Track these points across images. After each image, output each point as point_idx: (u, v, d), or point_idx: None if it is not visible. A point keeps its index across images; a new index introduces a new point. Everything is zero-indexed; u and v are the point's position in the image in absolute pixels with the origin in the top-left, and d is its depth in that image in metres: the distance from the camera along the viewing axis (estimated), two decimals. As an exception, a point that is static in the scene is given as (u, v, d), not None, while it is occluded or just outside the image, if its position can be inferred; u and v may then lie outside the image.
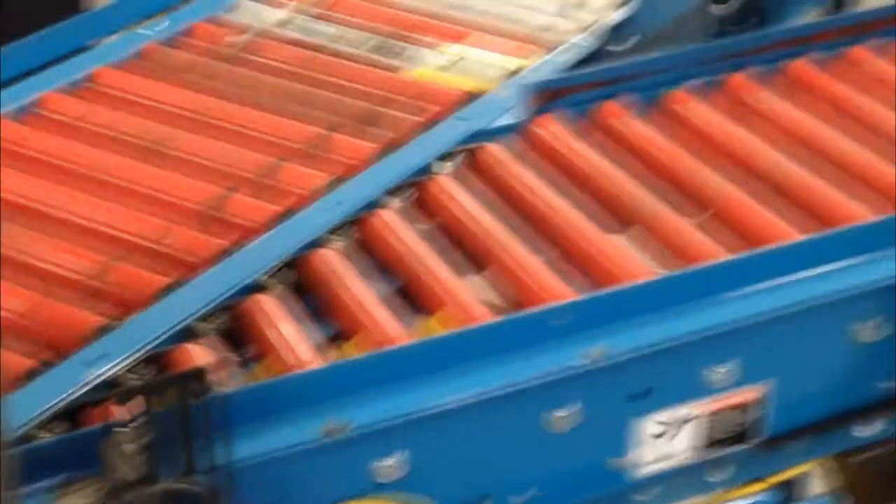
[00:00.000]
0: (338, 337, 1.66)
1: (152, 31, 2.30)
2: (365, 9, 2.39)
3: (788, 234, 1.79)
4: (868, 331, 1.71)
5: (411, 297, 1.73)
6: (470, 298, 1.69)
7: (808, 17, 2.78)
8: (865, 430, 1.79)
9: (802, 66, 2.16)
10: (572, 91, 2.08)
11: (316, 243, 1.77)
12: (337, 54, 2.23)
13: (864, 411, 1.78)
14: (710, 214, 1.86)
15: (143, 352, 1.58)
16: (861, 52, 2.19)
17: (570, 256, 1.80)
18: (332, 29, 2.31)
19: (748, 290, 1.68)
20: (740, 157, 1.98)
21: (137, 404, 1.34)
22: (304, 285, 1.73)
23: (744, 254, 1.71)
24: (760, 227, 1.82)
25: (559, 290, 1.70)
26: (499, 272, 1.76)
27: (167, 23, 2.33)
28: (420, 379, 1.53)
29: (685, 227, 1.83)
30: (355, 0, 2.41)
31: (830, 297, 1.68)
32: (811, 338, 1.71)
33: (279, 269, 1.72)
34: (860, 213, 1.82)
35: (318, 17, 2.35)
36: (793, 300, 1.67)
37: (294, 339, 1.61)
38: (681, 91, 2.10)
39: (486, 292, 1.73)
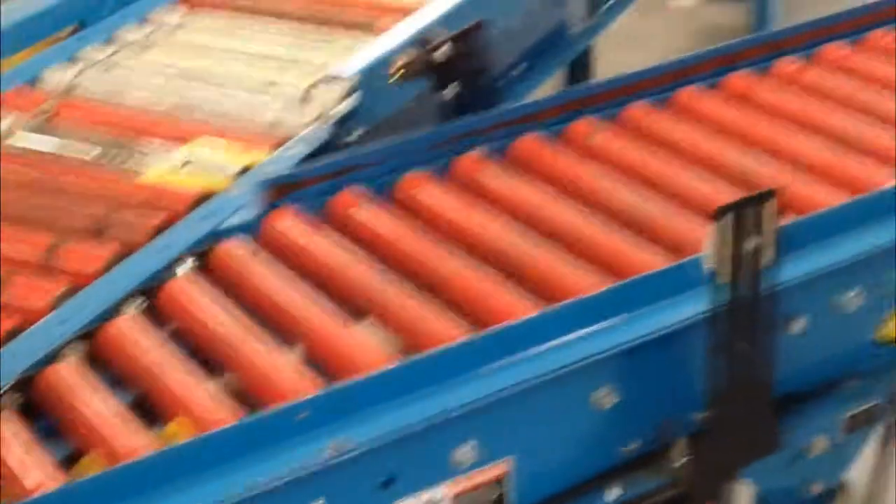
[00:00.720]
0: (75, 456, 1.62)
1: None
2: (92, 113, 2.36)
3: (522, 310, 1.83)
4: (605, 397, 1.76)
5: (152, 405, 1.70)
6: (211, 402, 1.67)
7: (535, 94, 2.88)
8: (614, 493, 1.83)
9: (529, 143, 2.23)
10: (305, 184, 2.09)
11: (49, 359, 1.73)
12: (65, 162, 2.20)
13: (611, 475, 1.82)
14: (446, 297, 1.89)
15: None
16: (582, 127, 2.27)
17: (312, 350, 1.81)
18: (59, 136, 2.28)
19: (487, 368, 1.71)
20: (474, 237, 2.02)
21: None
22: (38, 405, 1.69)
23: (479, 334, 1.74)
24: (495, 305, 1.86)
25: (302, 386, 1.70)
26: (241, 373, 1.75)
27: None
28: (161, 491, 1.50)
29: (423, 313, 1.85)
30: (82, 105, 2.39)
31: (566, 367, 1.72)
32: (552, 409, 1.75)
33: (9, 391, 1.68)
34: (589, 284, 1.87)
35: (44, 125, 2.32)
36: (531, 374, 1.71)
37: (26, 464, 1.56)
38: (413, 176, 2.14)
39: (228, 394, 1.72)
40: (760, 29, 4.29)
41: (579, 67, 4.13)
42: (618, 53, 4.55)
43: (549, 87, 3.34)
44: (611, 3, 3.34)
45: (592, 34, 3.34)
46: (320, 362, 1.78)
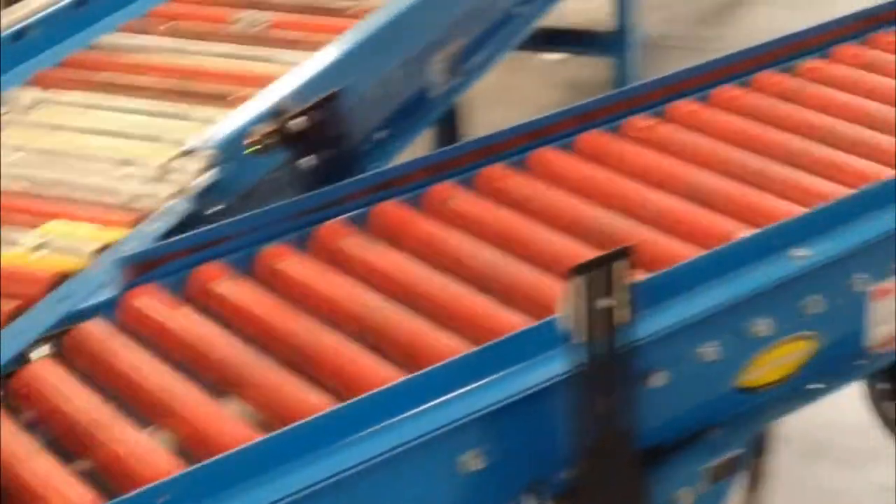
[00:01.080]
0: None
1: None
2: (-56, 198, 2.33)
3: (388, 377, 1.83)
4: (473, 460, 1.77)
5: (9, 497, 1.67)
6: (69, 491, 1.65)
7: (403, 156, 2.90)
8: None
9: (389, 210, 2.24)
10: (165, 260, 2.08)
11: None
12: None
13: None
14: (311, 368, 1.89)
15: None
16: (443, 190, 2.29)
17: (177, 430, 1.79)
18: None
19: (354, 437, 1.70)
20: (337, 307, 2.02)
21: None
22: None
23: (344, 403, 1.74)
24: (361, 374, 1.86)
25: (166, 467, 1.68)
26: (100, 458, 1.73)
27: None
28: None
29: (289, 385, 1.85)
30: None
31: (433, 433, 1.72)
32: (421, 474, 1.74)
33: None
34: (454, 348, 1.88)
35: None
36: (398, 441, 1.71)
37: None
38: (274, 248, 2.14)
39: (87, 481, 1.69)
40: (624, 83, 4.36)
41: (448, 125, 4.18)
42: (487, 110, 4.61)
43: (419, 146, 3.37)
44: (473, 63, 3.37)
45: (456, 94, 3.37)
46: (185, 442, 1.77)
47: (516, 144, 2.38)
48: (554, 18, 4.00)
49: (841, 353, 2.09)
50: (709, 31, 5.62)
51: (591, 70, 5.02)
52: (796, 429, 2.52)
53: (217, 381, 1.88)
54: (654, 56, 5.00)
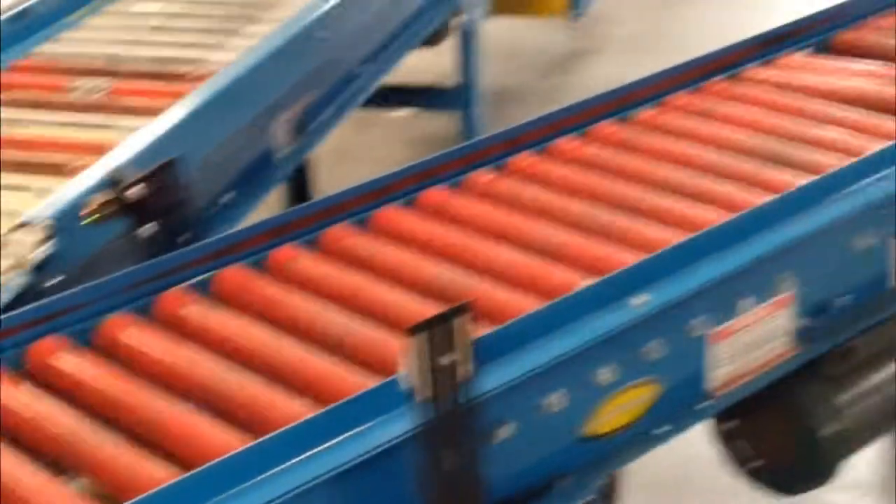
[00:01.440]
0: None
1: None
2: None
3: (233, 445, 1.80)
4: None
5: None
6: None
7: (251, 218, 2.88)
8: None
9: (232, 275, 2.22)
10: (4, 335, 2.03)
11: None
12: None
13: None
14: (154, 441, 1.86)
15: None
16: (287, 252, 2.28)
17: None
18: None
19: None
20: (180, 376, 1.99)
21: None
22: None
23: (187, 474, 1.71)
24: (206, 444, 1.84)
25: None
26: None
27: None
28: None
29: (130, 460, 1.82)
30: None
31: (281, 498, 1.71)
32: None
33: None
34: (299, 412, 1.87)
35: None
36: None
37: None
38: (115, 319, 2.11)
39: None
40: (470, 137, 4.41)
41: (298, 185, 4.18)
42: (335, 168, 4.63)
43: (271, 206, 3.36)
44: (318, 122, 3.38)
45: (301, 154, 3.37)
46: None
47: (358, 204, 2.38)
48: (401, 75, 4.04)
49: (684, 396, 2.13)
50: (553, 81, 5.73)
51: (438, 125, 5.07)
52: (654, 467, 2.54)
53: (57, 458, 1.84)
54: (501, 109, 5.07)
